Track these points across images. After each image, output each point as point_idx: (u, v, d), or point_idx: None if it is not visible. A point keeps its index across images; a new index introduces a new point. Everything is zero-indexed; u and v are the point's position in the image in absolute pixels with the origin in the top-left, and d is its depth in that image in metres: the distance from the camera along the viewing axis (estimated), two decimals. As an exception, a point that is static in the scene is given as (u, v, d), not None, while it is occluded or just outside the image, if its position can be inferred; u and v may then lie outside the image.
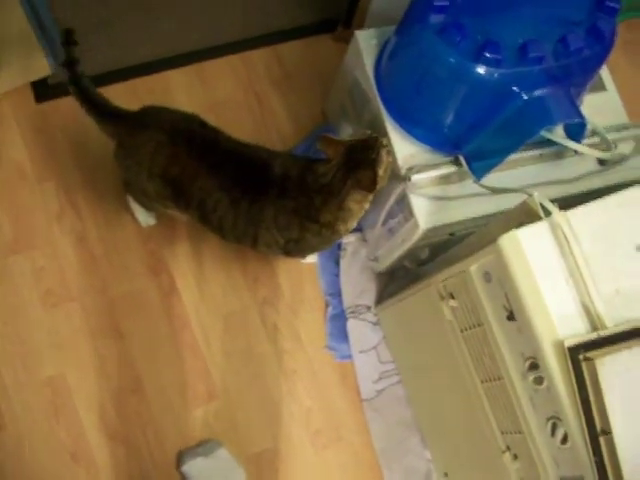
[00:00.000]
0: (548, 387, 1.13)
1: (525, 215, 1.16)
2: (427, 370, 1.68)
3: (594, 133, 1.49)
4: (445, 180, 1.48)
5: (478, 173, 1.43)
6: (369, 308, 1.89)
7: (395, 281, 1.86)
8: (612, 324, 1.10)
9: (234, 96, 2.02)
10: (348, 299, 1.89)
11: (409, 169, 1.47)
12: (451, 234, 1.56)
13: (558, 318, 1.10)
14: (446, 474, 1.74)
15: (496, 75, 1.29)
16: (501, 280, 1.17)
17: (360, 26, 1.91)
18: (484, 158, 1.41)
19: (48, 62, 1.83)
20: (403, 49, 1.44)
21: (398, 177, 1.48)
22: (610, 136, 1.49)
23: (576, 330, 1.10)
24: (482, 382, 1.36)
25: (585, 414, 1.07)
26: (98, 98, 1.56)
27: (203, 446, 1.69)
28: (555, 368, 1.09)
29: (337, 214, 1.47)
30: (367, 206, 1.50)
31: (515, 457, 1.33)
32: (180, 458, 1.68)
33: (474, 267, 1.25)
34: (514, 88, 1.30)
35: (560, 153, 1.52)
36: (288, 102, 2.04)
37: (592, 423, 1.07)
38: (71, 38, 1.52)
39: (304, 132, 2.00)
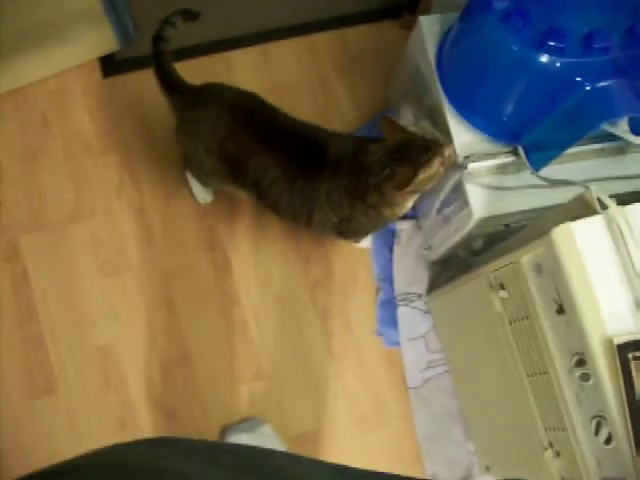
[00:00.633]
0: (594, 385, 1.10)
1: (581, 208, 1.14)
2: (474, 361, 1.66)
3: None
4: (502, 170, 1.46)
5: (536, 164, 1.40)
6: (420, 296, 1.88)
7: (448, 270, 1.85)
8: (664, 324, 1.07)
9: (297, 79, 2.02)
10: (400, 286, 1.88)
11: (466, 157, 1.45)
12: (506, 225, 1.54)
13: (608, 314, 1.07)
14: (488, 468, 1.73)
15: (559, 64, 1.25)
16: (552, 273, 1.15)
17: (425, 12, 1.89)
18: (543, 149, 1.38)
19: (115, 38, 1.88)
20: (465, 36, 1.42)
21: (455, 165, 1.47)
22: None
23: (626, 328, 1.07)
24: (528, 376, 1.34)
25: (631, 415, 1.05)
26: (173, 74, 1.60)
27: (247, 422, 1.73)
28: (603, 366, 1.07)
29: (379, 197, 1.45)
30: (410, 197, 1.48)
31: (557, 454, 1.31)
32: (224, 433, 1.71)
33: (525, 258, 1.23)
34: (577, 78, 1.26)
35: (622, 148, 1.48)
36: (351, 87, 2.03)
37: (638, 424, 1.05)
38: (188, 15, 1.61)
39: (366, 118, 1.99)
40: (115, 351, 1.75)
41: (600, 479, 1.17)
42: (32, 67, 1.88)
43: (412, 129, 1.46)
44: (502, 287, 1.35)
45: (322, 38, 2.07)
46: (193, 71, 1.90)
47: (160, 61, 1.58)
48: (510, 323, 1.35)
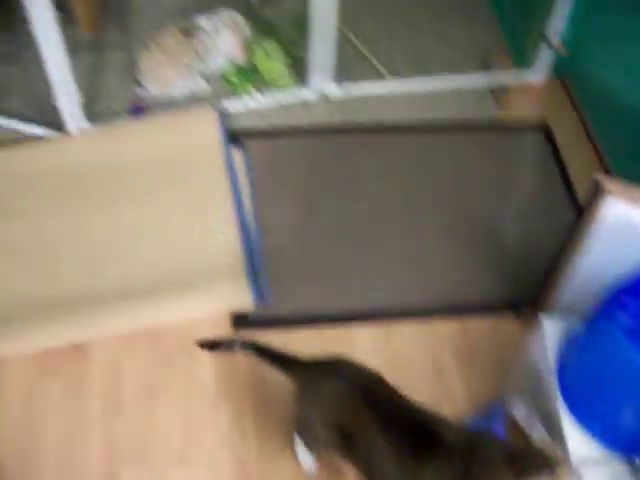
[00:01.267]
0: None
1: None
2: None
3: None
4: (615, 477, 1.39)
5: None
6: None
7: None
8: None
9: (414, 359, 2.06)
10: None
11: (580, 462, 1.40)
12: None
13: None
14: None
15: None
16: None
17: (546, 310, 1.92)
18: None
19: (251, 299, 2.03)
20: (588, 343, 1.43)
21: (569, 466, 1.42)
22: None
23: None
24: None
25: None
26: (282, 354, 1.73)
27: None
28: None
29: None
30: None
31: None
32: None
33: None
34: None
35: None
36: (467, 376, 2.03)
37: None
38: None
39: (477, 409, 1.95)
40: None
41: None
42: (170, 309, 2.06)
43: (534, 437, 1.45)
44: None
45: (443, 323, 2.13)
46: (316, 340, 1.98)
47: (265, 353, 1.73)
48: None
